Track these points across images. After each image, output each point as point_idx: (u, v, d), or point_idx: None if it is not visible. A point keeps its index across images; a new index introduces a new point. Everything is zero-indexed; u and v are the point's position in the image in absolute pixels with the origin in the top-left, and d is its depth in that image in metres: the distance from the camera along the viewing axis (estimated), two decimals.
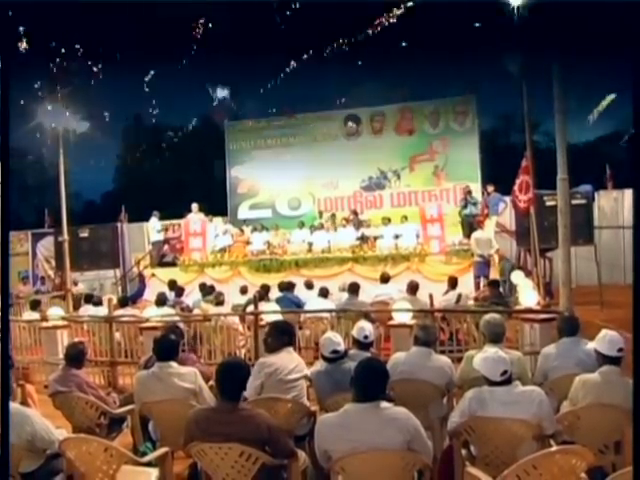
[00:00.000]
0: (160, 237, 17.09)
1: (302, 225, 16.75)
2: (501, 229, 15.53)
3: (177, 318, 9.21)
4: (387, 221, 15.84)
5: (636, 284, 3.61)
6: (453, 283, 10.58)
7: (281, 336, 5.33)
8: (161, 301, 9.98)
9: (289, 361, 5.14)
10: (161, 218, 17.64)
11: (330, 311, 9.13)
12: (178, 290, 11.45)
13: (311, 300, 10.16)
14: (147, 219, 18.14)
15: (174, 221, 18.43)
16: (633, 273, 3.59)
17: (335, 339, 5.14)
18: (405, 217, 15.88)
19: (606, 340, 4.56)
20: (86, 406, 5.38)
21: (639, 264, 3.70)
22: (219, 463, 3.76)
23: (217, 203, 20.03)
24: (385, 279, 10.91)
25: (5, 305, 6.39)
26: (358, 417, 3.59)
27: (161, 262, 16.57)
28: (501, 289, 10.71)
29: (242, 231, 17.19)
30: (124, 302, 11.14)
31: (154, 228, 17.02)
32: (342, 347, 5.14)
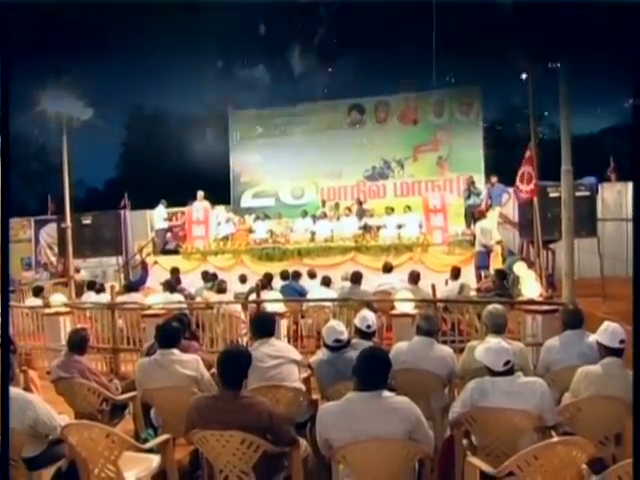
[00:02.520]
0: (166, 225, 17.07)
1: (305, 214, 16.76)
2: (504, 220, 15.50)
3: (179, 305, 9.22)
4: (390, 211, 15.83)
5: (637, 277, 3.61)
6: (456, 274, 10.59)
7: (259, 328, 5.39)
8: (172, 287, 10.00)
9: (265, 350, 5.10)
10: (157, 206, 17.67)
11: (332, 300, 9.14)
12: (176, 280, 11.43)
13: (313, 289, 10.17)
14: (150, 206, 18.13)
15: (177, 209, 18.42)
16: (634, 266, 3.59)
17: (338, 328, 5.13)
18: (408, 207, 15.86)
19: (608, 332, 4.56)
20: (88, 392, 5.40)
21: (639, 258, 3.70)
22: (220, 450, 3.78)
23: (220, 191, 19.98)
24: (388, 269, 10.92)
25: (5, 291, 6.40)
26: (360, 406, 3.60)
27: (164, 250, 16.58)
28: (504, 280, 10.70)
29: (244, 219, 17.17)
30: (130, 287, 11.21)
31: (160, 216, 17.01)
32: (345, 336, 5.13)
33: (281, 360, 5.10)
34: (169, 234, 17.40)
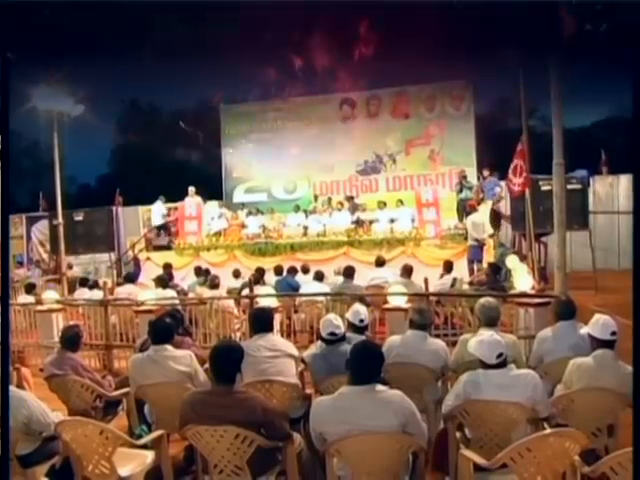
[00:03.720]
0: (164, 221, 17.02)
1: (297, 209, 16.76)
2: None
3: (172, 301, 9.20)
4: (383, 205, 15.85)
5: (636, 270, 3.62)
6: (449, 267, 10.61)
7: (257, 324, 5.37)
8: (164, 283, 10.00)
9: (260, 343, 5.11)
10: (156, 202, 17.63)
11: (325, 295, 9.13)
12: (168, 275, 11.41)
13: (307, 284, 10.17)
14: (142, 203, 18.06)
15: (170, 205, 18.39)
16: (633, 259, 3.60)
17: (335, 322, 5.10)
18: (401, 201, 15.87)
19: (599, 324, 4.57)
20: (82, 389, 5.40)
21: (639, 250, 3.70)
22: (215, 445, 3.78)
23: (213, 187, 19.96)
24: (380, 263, 10.92)
25: (5, 289, 6.40)
26: (353, 400, 3.61)
27: (156, 245, 16.57)
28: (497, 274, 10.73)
29: (237, 215, 17.17)
30: (128, 279, 11.37)
31: (159, 212, 16.97)
32: (341, 330, 5.10)
33: (277, 353, 5.10)
34: (161, 230, 17.40)
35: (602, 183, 16.90)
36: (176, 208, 17.57)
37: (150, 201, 18.05)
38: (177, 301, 9.32)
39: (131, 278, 11.49)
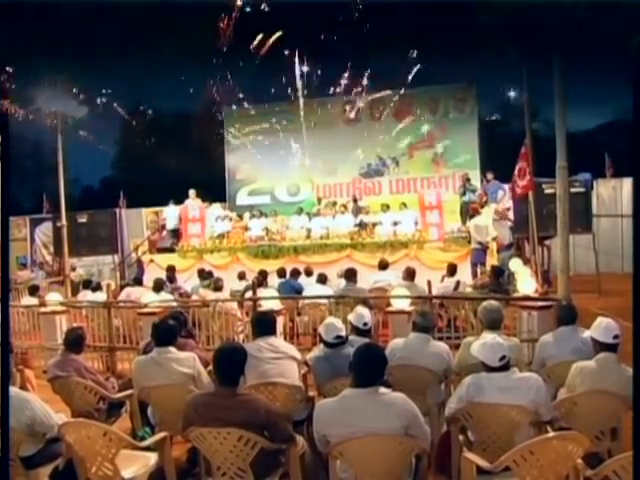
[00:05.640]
0: (179, 225, 16.95)
1: (301, 211, 16.71)
2: (500, 217, 15.52)
3: (175, 304, 9.22)
4: (386, 208, 15.79)
5: (636, 273, 3.62)
6: (452, 270, 10.58)
7: (259, 327, 5.40)
8: (158, 286, 9.99)
9: (263, 344, 5.13)
10: (159, 204, 17.58)
11: (328, 297, 9.12)
12: (169, 278, 11.44)
13: (310, 286, 10.17)
14: (145, 205, 18.01)
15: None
16: (633, 262, 3.59)
17: (338, 325, 5.14)
18: (404, 204, 15.82)
19: (602, 327, 4.58)
20: (85, 391, 5.40)
21: (639, 253, 3.70)
22: (218, 447, 3.78)
23: (216, 189, 19.96)
24: (383, 266, 10.92)
25: (5, 290, 6.40)
26: (356, 402, 3.61)
27: (159, 248, 16.57)
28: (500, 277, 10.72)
29: (240, 217, 17.15)
30: (140, 281, 11.57)
31: (175, 215, 16.92)
32: (344, 333, 5.15)
33: (280, 355, 5.11)
34: (165, 232, 17.39)
35: (605, 186, 16.89)
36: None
37: (153, 203, 18.02)
38: (180, 303, 9.34)
39: (142, 280, 11.60)
